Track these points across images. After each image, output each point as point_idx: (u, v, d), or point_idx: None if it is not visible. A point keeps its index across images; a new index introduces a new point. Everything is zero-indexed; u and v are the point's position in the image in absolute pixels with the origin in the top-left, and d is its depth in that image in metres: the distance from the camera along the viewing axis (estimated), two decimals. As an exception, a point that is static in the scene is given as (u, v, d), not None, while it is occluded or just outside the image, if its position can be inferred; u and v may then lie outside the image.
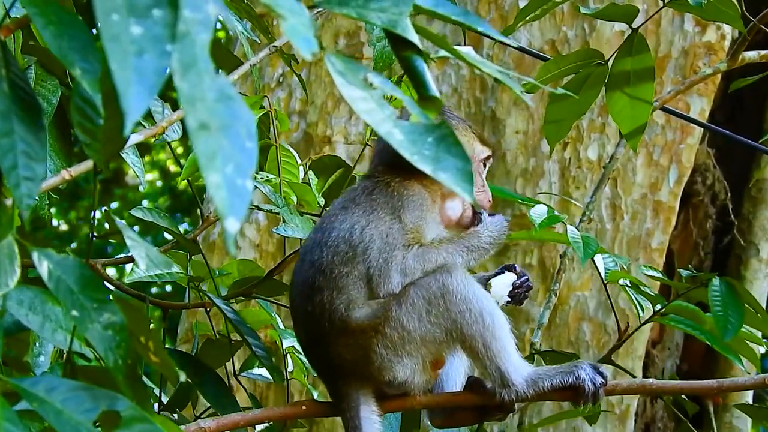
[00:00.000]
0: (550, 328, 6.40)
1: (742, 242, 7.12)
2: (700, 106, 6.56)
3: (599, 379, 2.80)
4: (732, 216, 7.22)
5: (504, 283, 3.00)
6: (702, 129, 6.66)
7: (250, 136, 1.41)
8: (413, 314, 2.76)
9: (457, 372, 2.99)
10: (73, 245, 11.51)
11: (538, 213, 3.49)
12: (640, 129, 3.54)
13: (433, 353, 2.82)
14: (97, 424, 1.58)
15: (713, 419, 4.09)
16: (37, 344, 3.02)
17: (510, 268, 3.02)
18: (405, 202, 2.86)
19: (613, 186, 6.54)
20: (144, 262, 1.81)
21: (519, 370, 2.78)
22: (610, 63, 3.56)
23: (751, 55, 4.09)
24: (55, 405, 1.58)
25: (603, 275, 3.51)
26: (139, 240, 1.85)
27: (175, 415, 3.63)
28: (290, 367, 3.91)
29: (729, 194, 7.29)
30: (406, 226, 2.83)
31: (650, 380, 3.03)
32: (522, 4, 3.65)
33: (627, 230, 6.53)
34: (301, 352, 3.74)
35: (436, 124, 1.57)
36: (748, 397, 6.46)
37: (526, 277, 3.02)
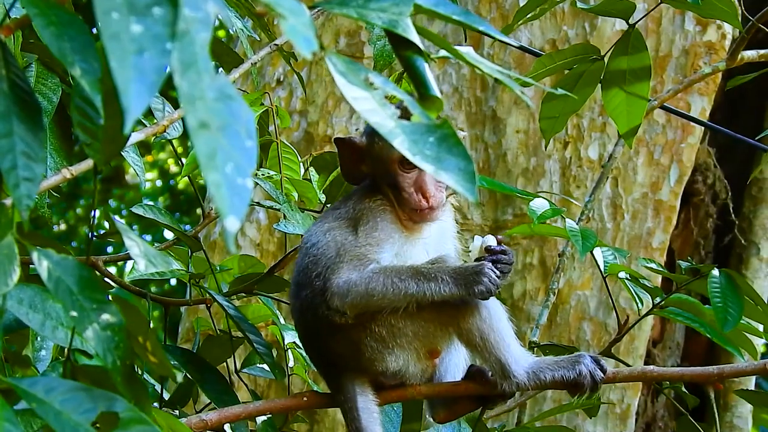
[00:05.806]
0: (551, 327, 6.39)
1: (742, 241, 7.12)
2: (701, 106, 6.55)
3: (599, 374, 2.80)
4: (733, 215, 7.22)
5: (485, 241, 2.84)
6: (703, 128, 6.65)
7: (250, 135, 1.41)
8: (404, 312, 2.75)
9: (456, 365, 2.99)
10: (73, 245, 11.51)
11: (537, 206, 3.49)
12: (636, 126, 3.53)
13: (427, 345, 2.82)
14: (96, 424, 1.58)
15: (715, 409, 4.06)
16: (39, 339, 3.01)
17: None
18: (363, 216, 2.84)
19: (614, 185, 6.54)
20: (142, 261, 1.80)
21: (519, 361, 2.77)
22: (606, 59, 3.55)
23: (751, 54, 4.08)
24: (54, 405, 1.57)
25: (602, 268, 3.50)
26: (137, 239, 1.84)
27: (176, 412, 3.63)
28: (291, 363, 3.91)
29: (730, 193, 7.29)
30: (358, 239, 2.80)
31: (650, 367, 3.06)
32: (523, 3, 3.64)
33: (628, 229, 6.53)
34: (302, 347, 3.75)
35: (438, 123, 1.56)
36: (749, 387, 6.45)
37: (505, 248, 2.79)
